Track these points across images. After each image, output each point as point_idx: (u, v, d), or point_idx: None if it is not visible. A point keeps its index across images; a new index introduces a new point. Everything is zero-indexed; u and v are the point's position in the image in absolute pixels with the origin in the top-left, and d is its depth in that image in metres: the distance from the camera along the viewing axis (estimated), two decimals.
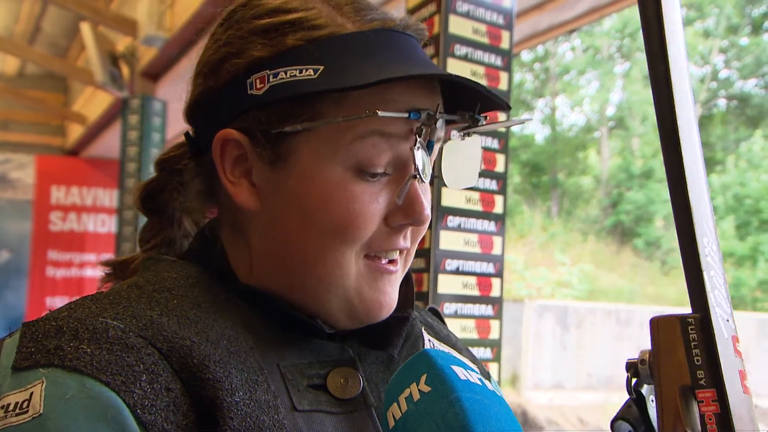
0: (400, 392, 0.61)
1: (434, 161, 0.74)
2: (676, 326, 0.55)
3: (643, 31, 0.58)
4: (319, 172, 0.68)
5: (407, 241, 0.74)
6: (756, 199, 17.30)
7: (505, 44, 2.60)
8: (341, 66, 0.67)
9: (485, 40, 2.55)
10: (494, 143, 2.59)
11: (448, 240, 2.47)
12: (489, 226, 2.57)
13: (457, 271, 2.49)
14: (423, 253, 2.45)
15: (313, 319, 0.71)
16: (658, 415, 0.55)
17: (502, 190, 2.60)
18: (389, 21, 0.71)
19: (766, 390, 10.82)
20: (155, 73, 6.51)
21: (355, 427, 0.68)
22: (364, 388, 0.71)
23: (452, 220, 2.47)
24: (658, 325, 0.57)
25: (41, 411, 0.56)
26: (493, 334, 2.61)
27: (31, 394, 0.57)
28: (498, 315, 2.61)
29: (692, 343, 0.54)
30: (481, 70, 2.54)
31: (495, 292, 2.60)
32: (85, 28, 6.58)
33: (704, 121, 19.57)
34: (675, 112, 0.56)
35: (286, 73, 0.67)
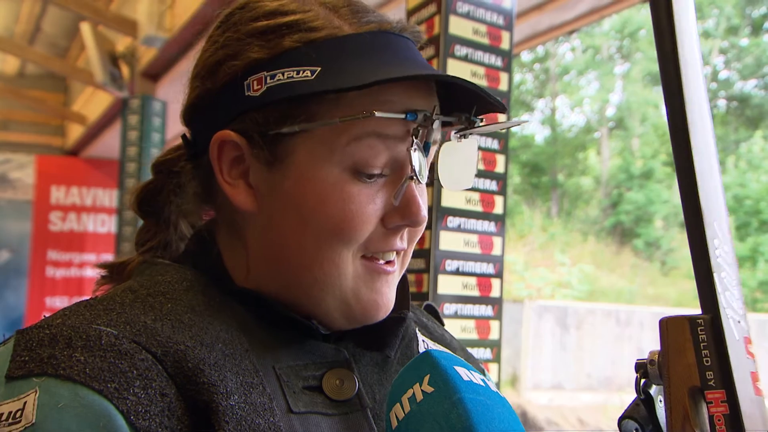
0: (403, 393, 0.61)
1: (431, 163, 0.74)
2: (685, 327, 0.55)
3: (654, 32, 0.58)
4: (316, 173, 0.68)
5: (404, 242, 0.74)
6: (756, 200, 17.31)
7: (505, 45, 2.60)
8: (338, 67, 0.67)
9: (485, 40, 2.55)
10: (494, 144, 2.58)
11: (447, 240, 2.46)
12: (489, 226, 2.56)
13: (457, 272, 2.49)
14: (423, 253, 2.45)
15: (309, 320, 0.71)
16: (666, 415, 0.55)
17: (502, 191, 2.60)
18: (385, 23, 0.72)
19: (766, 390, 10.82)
20: (155, 73, 6.52)
21: (350, 429, 0.69)
22: (359, 389, 0.71)
23: (452, 221, 2.47)
24: (667, 325, 0.57)
25: (33, 421, 0.56)
26: (493, 335, 2.61)
27: (25, 403, 0.57)
28: (498, 315, 2.61)
29: (702, 344, 0.54)
30: (481, 70, 2.54)
31: (495, 293, 2.60)
32: (85, 29, 6.58)
33: None
34: (685, 111, 0.56)
35: (283, 75, 0.68)
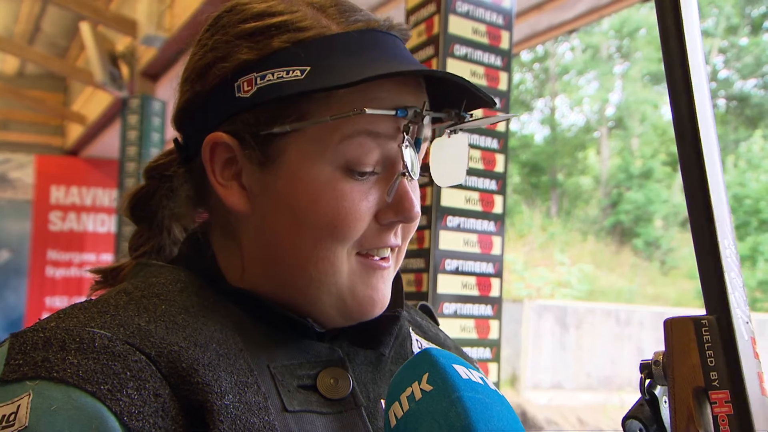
0: (402, 391, 0.61)
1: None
2: (689, 328, 0.55)
3: (660, 34, 0.58)
4: (308, 171, 0.69)
5: (398, 239, 0.74)
6: (755, 200, 17.32)
7: (504, 44, 2.60)
8: (327, 66, 0.68)
9: (485, 40, 2.55)
10: (493, 143, 2.58)
11: (447, 240, 2.47)
12: (488, 226, 2.57)
13: (457, 271, 2.49)
14: (422, 253, 2.45)
15: (304, 318, 0.72)
16: (671, 416, 0.55)
17: (502, 190, 2.60)
18: (373, 21, 0.72)
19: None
20: (155, 73, 6.52)
21: (345, 427, 0.69)
22: (353, 388, 0.71)
23: (452, 220, 2.47)
24: (671, 326, 0.57)
25: (27, 424, 0.56)
26: (493, 334, 2.61)
27: (18, 406, 0.57)
28: (497, 315, 2.61)
29: (706, 345, 0.54)
30: (480, 70, 2.54)
31: (494, 292, 2.60)
32: (85, 28, 6.58)
33: None
34: (695, 112, 0.56)
35: (273, 75, 0.68)
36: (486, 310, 2.58)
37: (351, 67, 0.67)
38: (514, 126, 19.29)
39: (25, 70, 10.09)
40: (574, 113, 22.69)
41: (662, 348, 0.58)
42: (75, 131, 9.83)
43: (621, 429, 0.64)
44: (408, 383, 0.61)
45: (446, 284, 2.47)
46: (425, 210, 2.47)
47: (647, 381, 0.61)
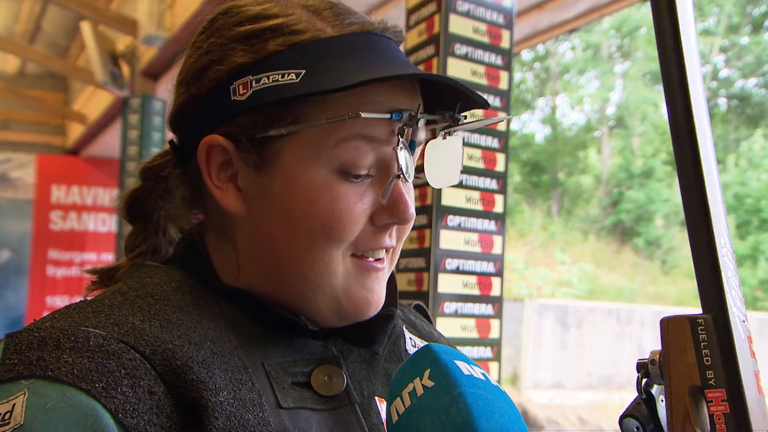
0: (404, 387, 0.61)
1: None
2: (686, 327, 0.56)
3: (656, 33, 0.59)
4: (304, 174, 0.69)
5: (393, 240, 0.75)
6: (756, 199, 17.31)
7: (505, 43, 2.60)
8: (322, 69, 0.68)
9: (485, 39, 2.55)
10: (494, 142, 2.59)
11: (448, 239, 2.47)
12: (489, 225, 2.57)
13: (458, 271, 2.49)
14: (423, 252, 2.45)
15: (297, 317, 0.72)
16: (667, 414, 0.56)
17: (503, 190, 2.60)
18: (368, 24, 0.72)
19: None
20: (155, 72, 6.53)
21: (339, 424, 0.69)
22: (347, 385, 0.72)
23: (452, 220, 2.47)
24: (668, 325, 0.57)
25: (22, 422, 0.57)
26: (493, 334, 2.61)
27: (14, 405, 0.58)
28: (498, 314, 2.61)
29: (702, 344, 0.55)
30: (481, 69, 2.54)
31: (495, 292, 2.60)
32: (86, 28, 6.58)
33: None
34: (691, 111, 0.56)
35: (268, 78, 0.68)
36: (487, 309, 2.58)
37: (346, 70, 0.68)
38: (514, 125, 19.27)
39: (25, 69, 10.09)
40: (574, 112, 22.69)
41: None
42: (76, 131, 9.83)
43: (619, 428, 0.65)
44: (410, 379, 0.61)
45: (447, 283, 2.47)
46: (426, 209, 2.47)
47: (644, 380, 0.61)
